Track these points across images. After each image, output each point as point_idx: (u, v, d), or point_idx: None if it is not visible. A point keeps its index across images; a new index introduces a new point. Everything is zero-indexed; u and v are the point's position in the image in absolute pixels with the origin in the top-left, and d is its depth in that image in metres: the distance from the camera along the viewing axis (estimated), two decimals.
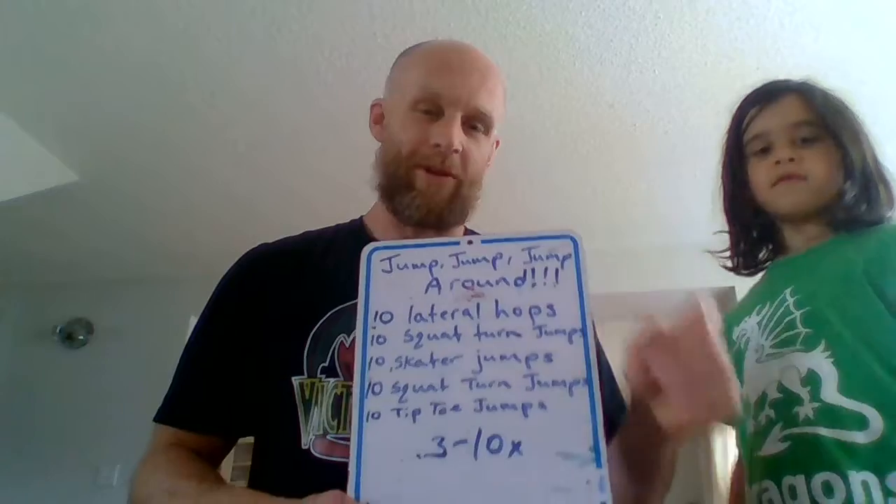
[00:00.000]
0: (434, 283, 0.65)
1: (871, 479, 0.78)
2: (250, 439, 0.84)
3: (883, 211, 0.98)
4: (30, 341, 3.43)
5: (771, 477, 0.88)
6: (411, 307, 0.64)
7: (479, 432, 0.57)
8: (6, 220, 2.85)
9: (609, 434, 0.59)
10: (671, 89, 2.20)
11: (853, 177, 0.96)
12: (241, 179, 2.71)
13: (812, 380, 0.87)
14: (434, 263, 0.66)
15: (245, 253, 0.92)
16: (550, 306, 0.63)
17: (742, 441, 1.01)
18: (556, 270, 0.65)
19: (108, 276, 3.47)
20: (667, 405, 0.60)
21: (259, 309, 0.84)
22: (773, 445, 0.89)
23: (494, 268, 0.66)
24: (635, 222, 2.96)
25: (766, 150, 1.01)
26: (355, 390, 0.60)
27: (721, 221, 1.13)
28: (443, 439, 0.57)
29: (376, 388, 0.60)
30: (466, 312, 0.63)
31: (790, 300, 0.94)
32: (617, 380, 0.90)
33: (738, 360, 1.00)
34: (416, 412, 0.59)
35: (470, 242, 0.68)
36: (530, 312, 0.63)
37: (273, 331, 0.81)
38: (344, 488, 0.56)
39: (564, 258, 0.66)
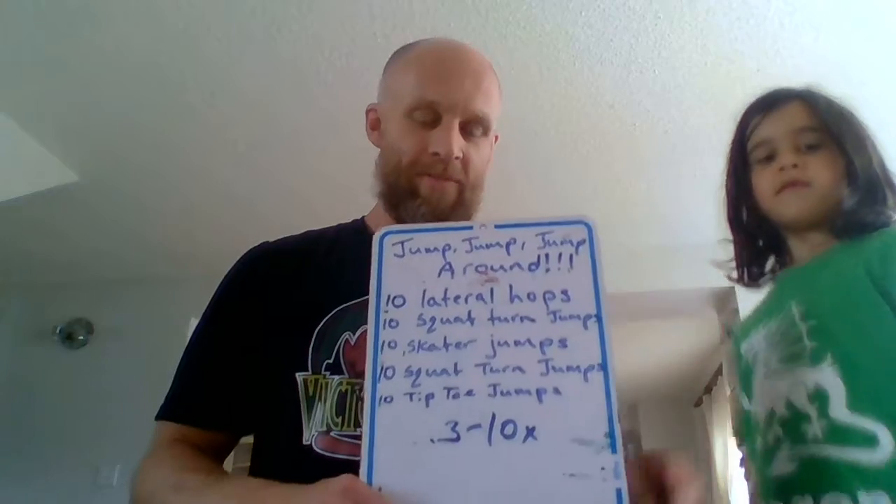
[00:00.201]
0: (447, 267, 0.65)
1: (883, 499, 0.76)
2: (250, 440, 0.84)
3: (890, 216, 0.96)
4: (30, 341, 3.42)
5: (780, 498, 0.87)
6: (424, 291, 0.63)
7: (494, 417, 0.57)
8: (6, 220, 2.84)
9: None
10: (671, 89, 2.20)
11: (857, 182, 0.95)
12: (241, 179, 2.71)
13: (819, 396, 0.85)
14: (447, 248, 0.66)
15: (247, 251, 0.92)
16: (565, 292, 0.62)
17: (752, 457, 0.99)
18: (571, 256, 0.64)
19: (108, 276, 3.46)
20: None
21: (262, 306, 0.84)
22: (782, 466, 0.88)
23: (508, 253, 0.65)
24: (635, 222, 2.96)
25: (770, 158, 1.00)
26: (367, 374, 0.60)
27: (725, 230, 1.11)
28: (456, 424, 0.57)
29: (389, 373, 0.60)
30: (480, 297, 0.63)
31: (796, 313, 0.92)
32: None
33: (747, 375, 0.99)
34: (429, 396, 0.58)
35: (483, 227, 0.67)
36: (544, 298, 0.62)
37: (277, 327, 0.81)
38: None
39: (579, 244, 0.65)
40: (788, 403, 0.89)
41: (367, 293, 0.65)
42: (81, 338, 3.38)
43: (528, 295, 0.62)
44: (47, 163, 2.52)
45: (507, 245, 0.66)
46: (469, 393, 0.58)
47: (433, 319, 0.62)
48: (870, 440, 0.79)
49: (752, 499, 1.04)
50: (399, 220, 0.86)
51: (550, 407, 0.57)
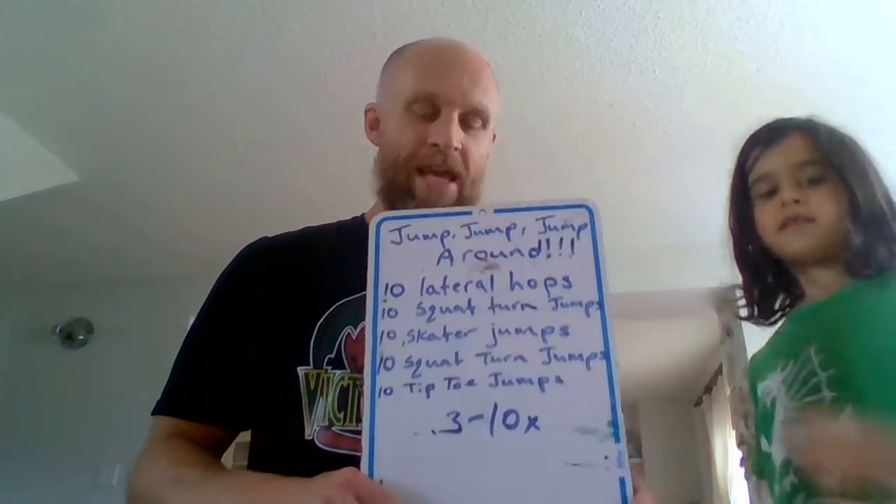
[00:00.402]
0: (446, 254, 0.64)
1: None
2: (247, 438, 0.83)
3: None
4: (30, 341, 3.42)
5: None
6: (423, 279, 0.62)
7: (495, 407, 0.56)
8: (6, 220, 2.84)
9: None
10: (671, 89, 2.20)
11: (861, 216, 0.92)
12: (242, 178, 2.71)
13: None
14: (446, 234, 0.64)
15: (246, 246, 0.92)
16: (566, 278, 0.61)
17: (772, 498, 0.97)
18: (572, 241, 0.63)
19: (108, 276, 3.46)
20: None
21: (262, 300, 0.83)
22: None
23: (508, 238, 0.64)
24: (635, 222, 2.96)
25: (771, 193, 0.98)
26: (367, 365, 0.59)
27: (733, 268, 1.08)
28: (458, 415, 0.56)
29: (388, 363, 0.59)
30: (480, 284, 0.62)
31: (815, 360, 0.90)
32: None
33: (766, 418, 0.98)
34: (429, 387, 0.57)
35: (482, 212, 0.66)
36: (545, 284, 0.61)
37: (277, 322, 0.81)
38: None
39: (580, 228, 0.64)
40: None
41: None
42: (81, 338, 3.37)
43: (529, 282, 0.61)
44: (47, 163, 2.52)
45: (508, 230, 0.64)
46: (470, 383, 0.57)
47: (433, 308, 0.61)
48: (888, 493, 0.78)
49: None
50: None
51: (553, 396, 0.56)
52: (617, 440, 0.55)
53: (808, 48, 2.01)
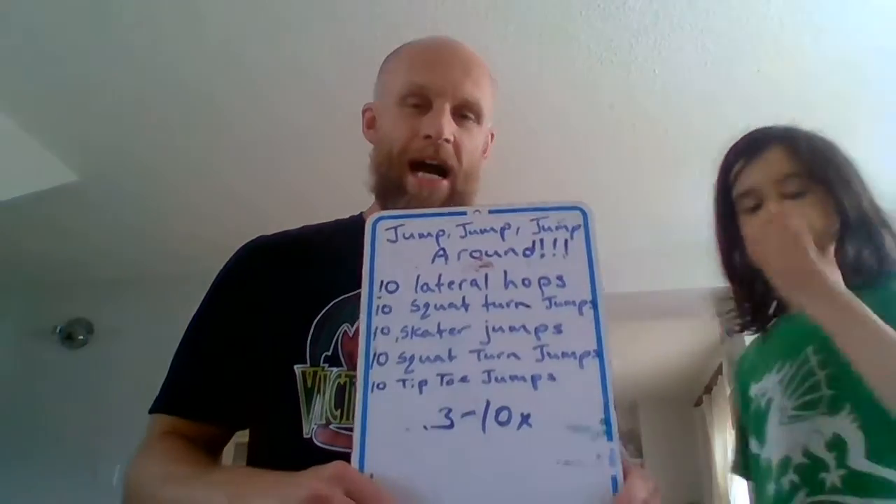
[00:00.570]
0: (441, 252, 0.64)
1: None
2: (245, 438, 0.83)
3: (890, 255, 0.94)
4: (30, 341, 3.42)
5: None
6: (418, 277, 0.63)
7: (488, 404, 0.56)
8: (6, 220, 2.84)
9: None
10: (671, 89, 2.20)
11: (849, 227, 0.93)
12: (242, 178, 2.71)
13: (838, 445, 0.85)
14: (441, 233, 0.65)
15: (244, 244, 0.92)
16: (560, 277, 0.62)
17: (760, 500, 0.98)
18: (566, 241, 0.64)
19: (109, 276, 3.46)
20: None
21: (259, 298, 0.83)
22: None
23: (503, 238, 0.64)
24: (635, 222, 2.96)
25: (756, 207, 0.98)
26: (360, 361, 0.59)
27: (722, 280, 1.09)
28: (450, 411, 0.56)
29: (381, 359, 0.59)
30: (474, 283, 0.62)
31: (813, 360, 0.91)
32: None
33: (760, 419, 0.98)
34: (422, 383, 0.57)
35: (477, 212, 0.67)
36: (539, 283, 0.62)
37: (274, 319, 0.81)
38: None
39: (574, 229, 0.64)
40: (806, 451, 0.88)
41: None
42: (81, 338, 3.37)
43: (523, 280, 0.62)
44: (47, 163, 2.52)
45: (502, 230, 0.65)
46: (463, 379, 0.57)
47: (427, 305, 0.61)
48: (890, 490, 0.80)
49: None
50: None
51: (545, 393, 0.56)
52: (609, 438, 0.55)
53: (807, 48, 2.01)
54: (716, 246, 1.08)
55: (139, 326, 3.31)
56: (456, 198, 0.87)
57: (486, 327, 0.60)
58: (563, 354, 0.58)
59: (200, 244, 3.12)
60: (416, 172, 0.86)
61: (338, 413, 0.74)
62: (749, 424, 1.04)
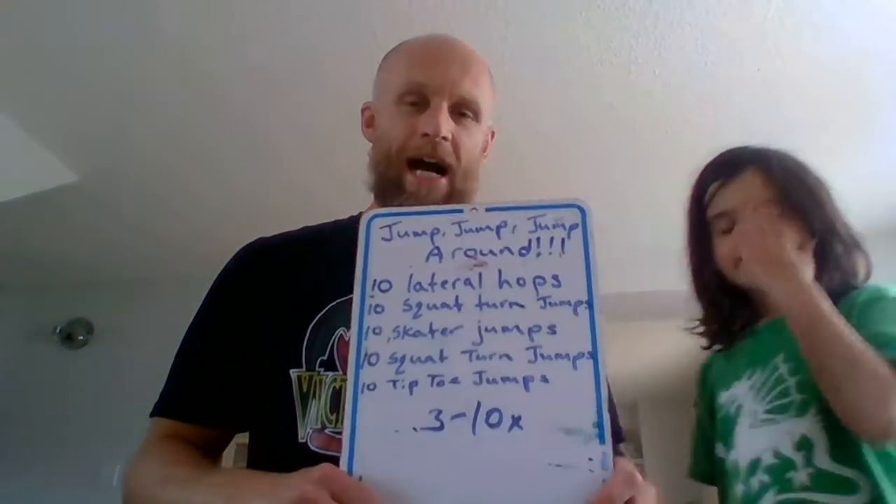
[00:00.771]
0: (435, 251, 0.63)
1: None
2: (246, 439, 0.84)
3: (859, 270, 1.00)
4: (30, 341, 3.42)
5: None
6: (411, 276, 0.62)
7: (479, 406, 0.55)
8: (6, 220, 2.84)
9: None
10: (671, 89, 2.20)
11: (822, 248, 0.97)
12: (246, 178, 2.70)
13: (805, 445, 0.90)
14: (436, 231, 0.64)
15: (243, 246, 0.92)
16: (556, 277, 0.60)
17: (727, 502, 1.03)
18: (563, 240, 0.62)
19: (109, 276, 3.46)
20: None
21: (257, 301, 0.83)
22: None
23: (498, 237, 0.63)
24: (635, 222, 2.96)
25: (730, 229, 1.01)
26: (351, 361, 0.58)
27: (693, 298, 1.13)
28: (440, 412, 0.55)
29: (373, 359, 0.58)
30: (468, 282, 0.61)
31: (783, 367, 0.96)
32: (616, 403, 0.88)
33: (729, 424, 1.02)
34: (413, 384, 0.56)
35: (473, 210, 0.65)
36: (534, 283, 0.60)
37: (272, 323, 0.81)
38: None
39: (571, 228, 0.63)
40: (776, 452, 0.93)
41: None
42: (81, 338, 3.37)
43: (518, 280, 0.61)
44: (47, 163, 2.52)
45: (498, 228, 0.64)
46: (454, 381, 0.56)
47: (419, 305, 0.60)
48: (850, 486, 0.86)
49: None
50: None
51: (537, 395, 0.55)
52: (602, 441, 0.54)
53: (807, 48, 2.01)
54: (687, 264, 1.12)
55: (139, 326, 3.32)
56: (455, 196, 0.87)
57: (479, 328, 0.59)
58: (557, 356, 0.57)
59: (201, 244, 3.12)
60: (415, 171, 0.86)
61: (333, 417, 0.73)
62: (716, 430, 1.07)
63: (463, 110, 0.88)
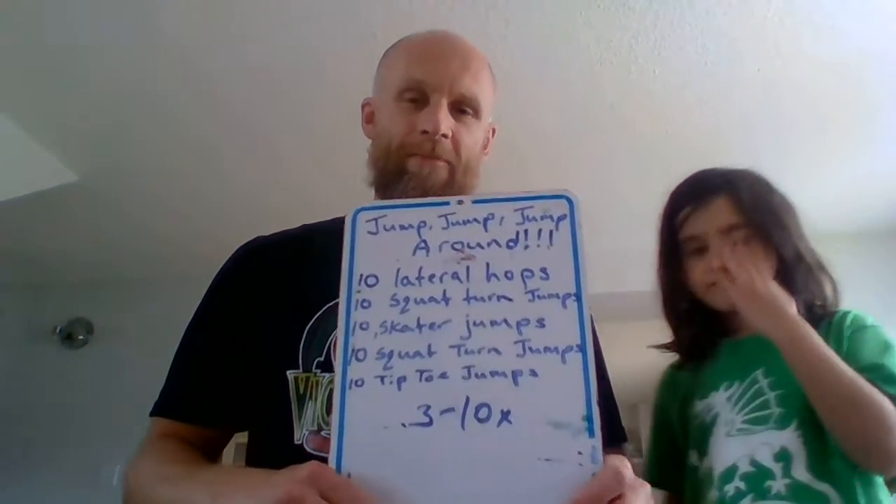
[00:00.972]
0: (422, 244, 0.62)
1: None
2: (245, 439, 0.84)
3: (826, 293, 1.04)
4: (30, 341, 3.42)
5: None
6: (398, 270, 0.61)
7: (467, 401, 0.55)
8: (6, 220, 2.84)
9: None
10: (671, 89, 2.20)
11: (787, 273, 1.01)
12: (246, 177, 2.70)
13: (784, 457, 0.93)
14: (422, 224, 0.63)
15: (240, 246, 0.91)
16: (544, 269, 0.60)
17: None
18: (551, 232, 0.62)
19: (108, 276, 3.46)
20: None
21: (255, 300, 0.83)
22: None
23: (486, 229, 0.62)
24: (635, 222, 2.95)
25: (701, 250, 1.05)
26: (338, 357, 0.58)
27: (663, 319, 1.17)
28: (429, 408, 0.55)
29: (360, 355, 0.57)
30: (455, 276, 0.60)
31: (763, 381, 1.00)
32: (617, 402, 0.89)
33: (704, 433, 1.05)
34: (401, 379, 0.56)
35: (460, 202, 0.64)
36: (522, 276, 0.59)
37: (269, 323, 0.81)
38: None
39: (559, 219, 0.62)
40: (753, 461, 0.96)
41: None
42: (81, 338, 3.38)
43: (506, 273, 0.60)
44: (47, 163, 2.52)
45: (485, 221, 0.63)
46: (443, 376, 0.56)
47: (407, 299, 0.59)
48: (823, 500, 0.90)
49: None
50: None
51: (526, 390, 0.55)
52: (591, 435, 0.53)
53: (807, 48, 2.01)
54: (658, 285, 1.16)
55: (139, 326, 3.32)
56: (455, 187, 0.86)
57: (467, 322, 0.58)
58: (546, 349, 0.56)
59: (202, 243, 3.12)
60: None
61: (329, 419, 0.73)
62: (690, 438, 1.09)
63: (463, 107, 0.87)
